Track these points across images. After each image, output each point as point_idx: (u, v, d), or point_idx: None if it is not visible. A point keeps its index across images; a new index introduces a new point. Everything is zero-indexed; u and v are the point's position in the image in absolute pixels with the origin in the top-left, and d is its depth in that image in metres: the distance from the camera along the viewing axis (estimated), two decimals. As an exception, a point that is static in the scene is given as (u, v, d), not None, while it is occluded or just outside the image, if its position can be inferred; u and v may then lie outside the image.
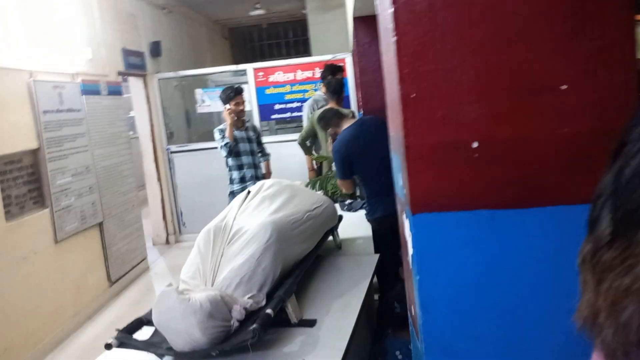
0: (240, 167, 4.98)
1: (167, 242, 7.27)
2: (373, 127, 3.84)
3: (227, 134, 4.82)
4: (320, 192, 3.92)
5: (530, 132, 1.07)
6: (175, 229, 7.33)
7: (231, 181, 5.04)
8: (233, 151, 4.88)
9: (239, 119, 4.96)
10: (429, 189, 1.11)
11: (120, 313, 4.84)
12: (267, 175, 5.35)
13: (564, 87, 1.04)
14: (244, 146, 4.99)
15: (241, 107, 4.90)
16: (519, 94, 1.06)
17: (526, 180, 1.08)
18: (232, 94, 4.89)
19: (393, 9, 1.06)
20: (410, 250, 1.18)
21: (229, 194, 5.00)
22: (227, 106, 4.90)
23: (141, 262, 6.12)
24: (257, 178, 4.82)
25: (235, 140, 4.92)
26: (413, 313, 1.30)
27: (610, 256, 0.30)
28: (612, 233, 0.30)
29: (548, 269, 1.11)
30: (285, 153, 6.62)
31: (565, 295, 1.13)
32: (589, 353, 1.05)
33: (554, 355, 1.12)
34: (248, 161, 5.00)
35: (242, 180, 4.95)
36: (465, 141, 1.09)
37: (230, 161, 4.98)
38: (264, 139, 5.58)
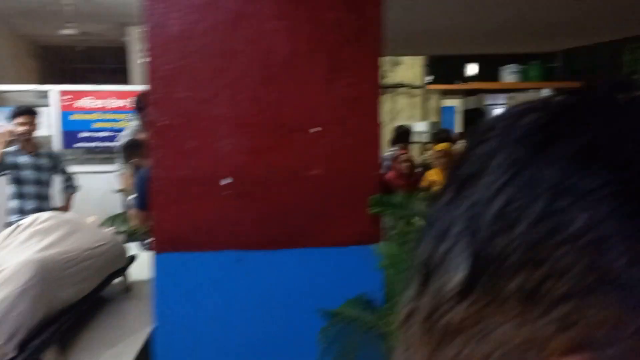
0: (20, 196, 4.36)
1: None
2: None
3: None
4: (112, 230, 3.58)
5: (283, 171, 1.05)
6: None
7: (8, 211, 4.40)
8: (10, 176, 4.27)
9: (28, 142, 4.39)
10: (175, 226, 1.02)
11: None
12: (63, 210, 4.76)
13: (316, 129, 1.04)
14: (28, 174, 4.38)
15: (24, 128, 4.33)
16: (274, 131, 1.04)
17: (276, 221, 1.05)
18: (17, 111, 4.35)
19: (146, 30, 0.98)
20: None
21: (5, 225, 4.34)
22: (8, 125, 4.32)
23: None
24: (41, 211, 4.20)
25: (17, 166, 4.33)
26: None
27: (461, 315, 0.21)
28: (466, 284, 0.21)
29: (297, 312, 1.07)
30: (92, 187, 6.03)
31: (312, 339, 1.11)
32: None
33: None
34: (31, 191, 4.39)
35: (22, 211, 4.32)
36: (216, 176, 1.02)
37: (11, 188, 4.36)
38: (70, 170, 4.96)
